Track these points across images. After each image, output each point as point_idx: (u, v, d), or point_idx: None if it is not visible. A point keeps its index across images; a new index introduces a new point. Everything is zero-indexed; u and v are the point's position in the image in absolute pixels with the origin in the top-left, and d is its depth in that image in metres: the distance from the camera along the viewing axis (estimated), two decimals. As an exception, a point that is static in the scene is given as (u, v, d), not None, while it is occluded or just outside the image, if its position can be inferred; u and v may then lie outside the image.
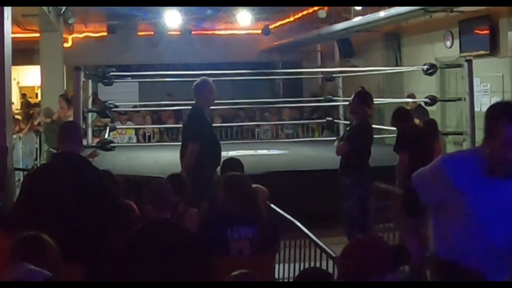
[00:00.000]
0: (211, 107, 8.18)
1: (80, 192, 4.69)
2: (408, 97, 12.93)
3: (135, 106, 17.34)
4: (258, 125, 15.81)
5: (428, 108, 11.68)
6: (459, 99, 11.23)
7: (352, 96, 8.07)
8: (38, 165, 11.73)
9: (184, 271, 4.36)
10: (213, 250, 4.70)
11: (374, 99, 8.40)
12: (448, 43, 13.17)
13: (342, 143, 7.80)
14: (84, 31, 18.40)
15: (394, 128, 8.68)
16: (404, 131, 8.20)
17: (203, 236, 4.78)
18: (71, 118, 12.64)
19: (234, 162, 6.23)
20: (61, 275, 3.55)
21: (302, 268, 5.53)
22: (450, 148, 12.95)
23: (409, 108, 11.28)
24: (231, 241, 4.83)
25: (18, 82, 19.41)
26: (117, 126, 14.28)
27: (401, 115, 8.57)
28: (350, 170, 7.71)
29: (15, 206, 5.16)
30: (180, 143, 7.47)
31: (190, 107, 7.77)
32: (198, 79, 7.38)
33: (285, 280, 5.94)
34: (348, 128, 8.22)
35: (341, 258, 3.11)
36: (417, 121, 10.29)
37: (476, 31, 11.91)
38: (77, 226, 4.54)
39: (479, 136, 10.19)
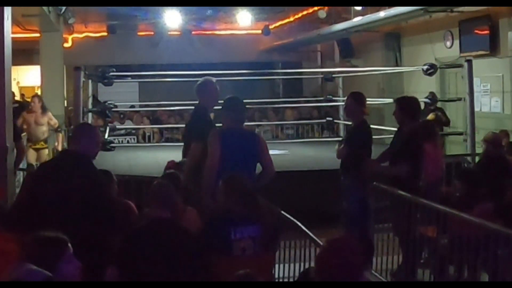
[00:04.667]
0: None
1: (76, 190, 4.71)
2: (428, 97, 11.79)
3: (132, 106, 17.34)
4: (258, 125, 15.81)
5: (428, 108, 11.69)
6: (459, 99, 11.22)
7: (346, 98, 8.01)
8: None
9: (184, 270, 4.36)
10: (216, 250, 4.70)
11: (374, 99, 8.35)
12: (448, 43, 13.17)
13: (341, 146, 7.82)
14: (84, 31, 18.41)
15: (394, 129, 8.56)
16: (412, 136, 7.03)
17: (205, 236, 4.79)
18: (43, 127, 11.64)
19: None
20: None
21: (302, 268, 5.52)
22: (451, 148, 12.95)
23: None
24: (234, 241, 4.84)
25: (18, 82, 19.41)
26: (117, 126, 14.28)
27: (414, 109, 7.24)
28: (349, 171, 7.71)
29: (15, 205, 5.17)
30: (180, 144, 7.46)
31: (191, 107, 7.75)
32: (201, 79, 7.35)
33: (285, 280, 5.94)
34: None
35: (317, 265, 3.08)
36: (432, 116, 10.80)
37: (476, 31, 11.91)
38: (74, 226, 4.55)
39: (479, 136, 10.21)
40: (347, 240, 3.12)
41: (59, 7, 13.53)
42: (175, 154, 7.53)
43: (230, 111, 6.28)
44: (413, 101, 7.41)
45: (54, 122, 11.91)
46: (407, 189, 6.55)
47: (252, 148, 6.18)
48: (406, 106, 7.24)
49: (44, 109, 11.74)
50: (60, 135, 12.09)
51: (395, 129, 8.58)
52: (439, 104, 12.29)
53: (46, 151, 11.89)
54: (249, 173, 5.95)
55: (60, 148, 11.74)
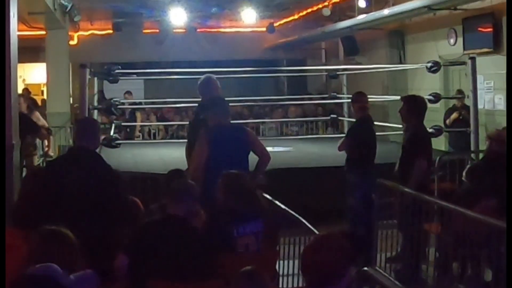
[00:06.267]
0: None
1: (89, 186, 4.77)
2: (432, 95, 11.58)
3: (139, 103, 17.37)
4: (263, 122, 15.85)
5: (431, 105, 11.69)
6: (463, 97, 11.25)
7: (359, 96, 8.15)
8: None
9: (192, 268, 4.39)
10: (220, 247, 4.73)
11: (379, 97, 8.43)
12: (452, 41, 13.18)
13: (342, 139, 7.94)
14: (90, 28, 18.44)
15: (397, 126, 8.63)
16: (421, 131, 7.28)
17: (209, 234, 4.82)
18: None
19: None
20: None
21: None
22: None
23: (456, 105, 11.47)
24: (237, 238, 4.88)
25: (24, 80, 19.45)
26: (123, 124, 14.30)
27: (419, 107, 7.36)
28: (354, 167, 7.76)
29: (22, 202, 5.19)
30: (186, 140, 7.50)
31: (195, 104, 7.78)
32: (202, 77, 7.39)
33: (290, 277, 5.98)
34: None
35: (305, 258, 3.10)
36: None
37: (480, 29, 11.92)
38: (86, 220, 4.61)
39: (483, 133, 10.25)
40: (331, 236, 3.14)
41: (65, 4, 13.57)
42: (180, 151, 7.58)
43: (215, 108, 6.35)
44: (420, 100, 7.51)
45: (42, 123, 10.44)
46: (421, 185, 6.63)
47: (242, 140, 6.22)
48: (413, 105, 7.31)
49: (30, 109, 10.29)
50: (51, 138, 10.91)
51: (399, 125, 8.68)
52: (442, 102, 12.35)
53: (35, 158, 10.26)
54: (242, 166, 5.97)
55: (52, 153, 10.76)
